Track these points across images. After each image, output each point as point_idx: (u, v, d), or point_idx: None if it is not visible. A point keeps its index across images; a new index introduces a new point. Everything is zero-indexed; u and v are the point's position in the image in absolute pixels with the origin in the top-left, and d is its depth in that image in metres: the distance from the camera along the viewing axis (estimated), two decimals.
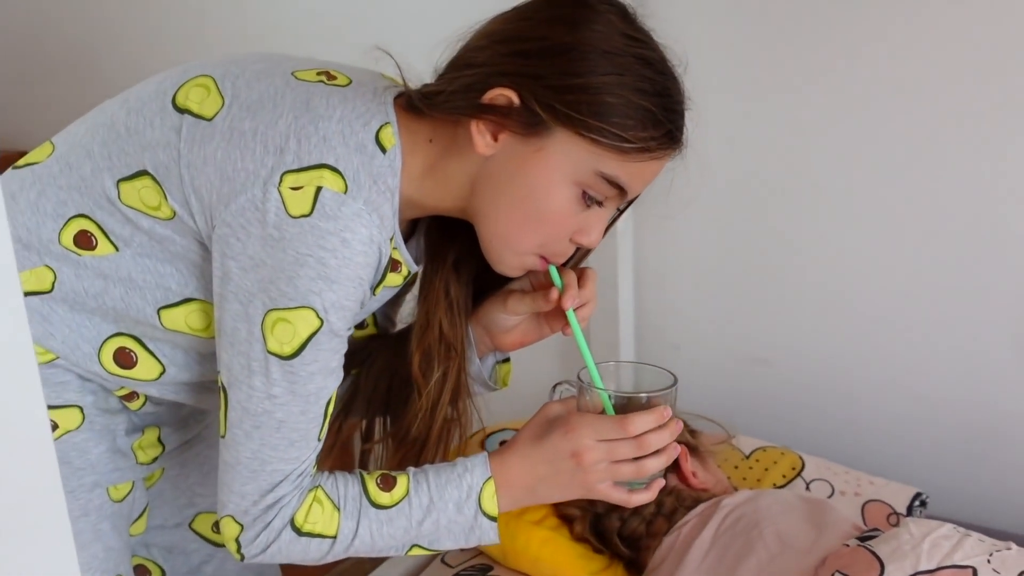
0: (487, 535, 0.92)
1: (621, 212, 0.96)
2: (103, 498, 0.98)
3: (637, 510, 1.14)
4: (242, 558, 0.88)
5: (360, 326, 1.08)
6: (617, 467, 0.89)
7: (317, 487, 0.89)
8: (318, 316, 0.81)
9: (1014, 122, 1.39)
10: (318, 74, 0.89)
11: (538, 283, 0.99)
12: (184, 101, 0.87)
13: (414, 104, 0.87)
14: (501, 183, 0.86)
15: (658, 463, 0.89)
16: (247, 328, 0.82)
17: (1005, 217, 1.43)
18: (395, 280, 0.94)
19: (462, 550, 1.23)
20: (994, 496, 1.53)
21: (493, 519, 0.91)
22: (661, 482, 0.93)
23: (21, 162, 0.95)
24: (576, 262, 0.99)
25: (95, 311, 0.91)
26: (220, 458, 0.87)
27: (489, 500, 0.90)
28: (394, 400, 1.02)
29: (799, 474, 1.39)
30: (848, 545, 0.91)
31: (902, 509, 1.35)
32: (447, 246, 0.98)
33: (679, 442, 1.18)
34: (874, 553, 0.87)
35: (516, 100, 0.82)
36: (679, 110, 0.86)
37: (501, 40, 0.86)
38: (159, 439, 1.04)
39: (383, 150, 0.85)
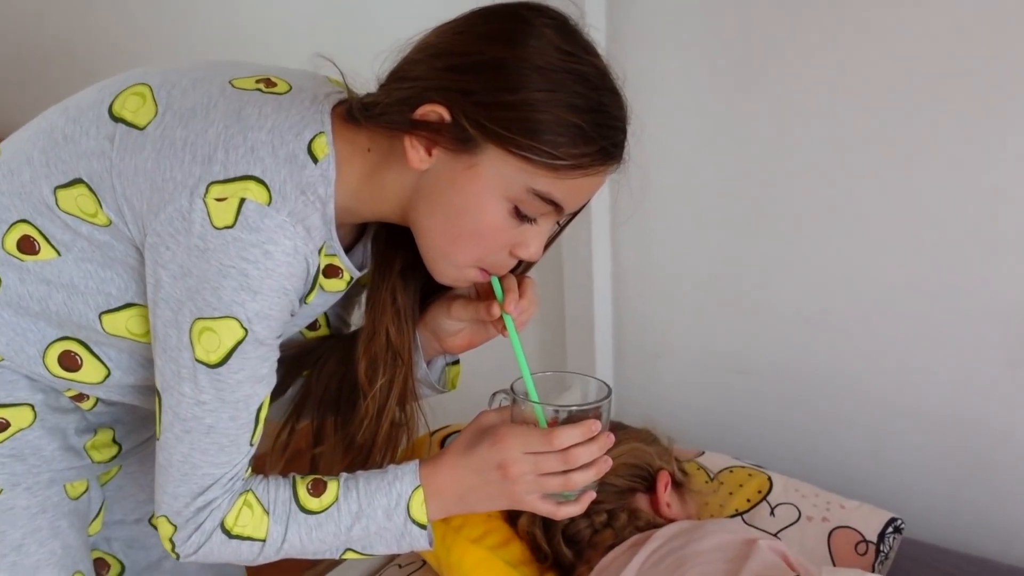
0: (418, 542, 0.93)
1: (565, 225, 0.95)
2: (61, 495, 1.00)
3: (588, 514, 1.12)
4: (177, 557, 0.90)
5: (312, 327, 1.09)
6: (544, 480, 0.89)
7: (248, 491, 0.90)
8: (242, 326, 0.82)
9: (1012, 125, 1.32)
10: (257, 81, 0.88)
11: (483, 289, 0.98)
12: (120, 110, 0.87)
13: (353, 113, 0.86)
14: (435, 198, 0.86)
15: (585, 477, 0.89)
16: (177, 335, 0.83)
17: (1001, 228, 1.37)
18: (337, 286, 0.94)
19: (399, 566, 1.23)
20: (978, 522, 1.48)
21: (423, 527, 0.92)
22: (592, 495, 0.92)
23: None
24: (523, 272, 0.99)
25: (39, 315, 0.91)
26: (156, 459, 0.89)
27: (418, 508, 0.91)
28: (344, 402, 1.03)
29: (765, 497, 1.35)
30: None
31: (873, 536, 1.29)
32: (394, 255, 0.98)
33: (666, 470, 1.18)
34: None
35: (447, 116, 0.81)
36: (616, 125, 0.84)
37: (436, 54, 0.84)
38: (114, 439, 1.05)
39: (315, 160, 0.84)
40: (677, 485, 1.20)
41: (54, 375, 0.93)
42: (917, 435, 1.50)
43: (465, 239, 0.86)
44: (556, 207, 0.85)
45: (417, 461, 0.93)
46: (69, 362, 0.93)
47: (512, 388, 0.93)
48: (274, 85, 0.89)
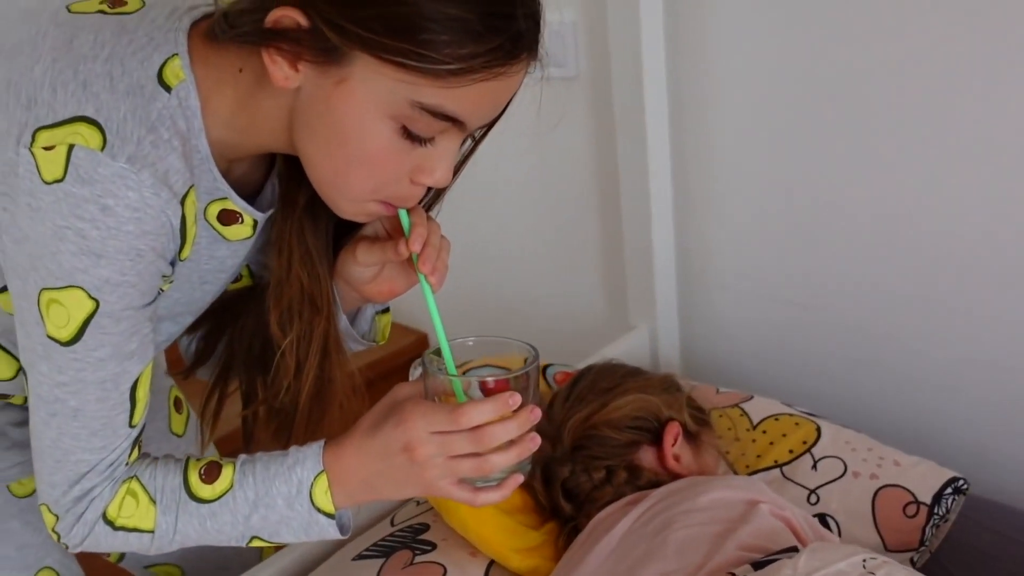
0: (327, 532, 0.84)
1: (481, 138, 0.81)
2: (5, 496, 0.97)
3: (587, 469, 1.06)
4: (66, 547, 0.83)
5: (234, 279, 0.96)
6: (456, 463, 0.78)
7: (132, 477, 0.82)
8: (90, 296, 0.72)
9: None
10: (101, 2, 0.76)
11: (393, 226, 0.86)
12: None
13: (215, 29, 0.74)
14: (312, 122, 0.74)
15: (505, 459, 0.78)
16: (28, 308, 0.74)
17: None
18: (241, 232, 0.84)
19: (417, 503, 1.21)
20: None
21: (330, 516, 0.83)
22: (519, 478, 0.81)
23: None
24: (432, 201, 0.87)
25: None
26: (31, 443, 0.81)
27: (322, 496, 0.82)
28: (271, 360, 0.90)
29: (809, 449, 1.26)
30: (734, 574, 0.83)
31: (926, 498, 1.19)
32: (296, 189, 0.85)
33: (675, 420, 1.07)
34: None
35: (304, 21, 0.68)
36: (515, 13, 0.69)
37: None
38: None
39: (168, 89, 0.73)
40: (690, 436, 1.12)
41: None
42: (991, 387, 1.37)
43: (354, 168, 0.74)
44: (455, 123, 0.72)
45: (321, 443, 0.84)
46: None
47: (423, 356, 0.81)
48: (122, 3, 0.76)
